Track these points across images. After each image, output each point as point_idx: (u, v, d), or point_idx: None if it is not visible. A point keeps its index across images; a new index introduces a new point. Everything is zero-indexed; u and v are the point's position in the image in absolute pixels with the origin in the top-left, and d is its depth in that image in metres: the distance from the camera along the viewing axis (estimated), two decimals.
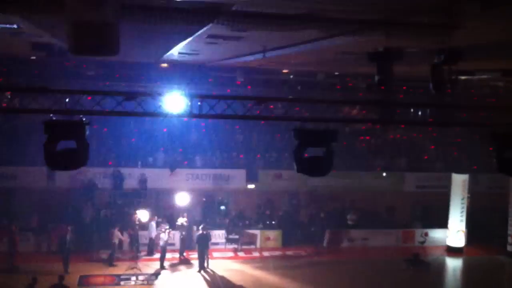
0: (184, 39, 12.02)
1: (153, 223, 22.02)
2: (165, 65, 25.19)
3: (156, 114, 10.01)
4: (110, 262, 20.76)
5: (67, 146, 9.33)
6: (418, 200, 26.81)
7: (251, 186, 25.71)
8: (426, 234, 25.26)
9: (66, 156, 9.19)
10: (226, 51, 15.74)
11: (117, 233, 21.11)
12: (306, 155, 9.46)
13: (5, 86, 17.00)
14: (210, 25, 8.34)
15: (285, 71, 25.56)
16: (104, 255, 21.33)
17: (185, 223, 22.20)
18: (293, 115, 9.46)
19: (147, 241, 22.31)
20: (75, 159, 9.30)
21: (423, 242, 24.80)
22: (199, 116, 9.69)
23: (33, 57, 21.32)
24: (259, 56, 14.85)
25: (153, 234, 21.90)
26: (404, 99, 21.06)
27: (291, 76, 26.93)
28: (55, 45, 15.64)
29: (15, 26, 10.21)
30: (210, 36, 11.27)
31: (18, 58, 21.81)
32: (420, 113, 25.01)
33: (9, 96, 21.03)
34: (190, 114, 9.65)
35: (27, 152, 23.89)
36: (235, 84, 25.68)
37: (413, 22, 8.23)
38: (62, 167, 9.65)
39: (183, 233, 22.00)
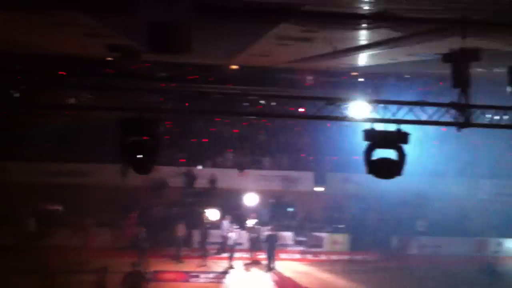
0: (255, 40, 12.13)
1: (226, 222, 22.24)
2: (235, 66, 25.51)
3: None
4: (177, 257, 21.12)
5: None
6: (494, 208, 25.68)
7: (319, 188, 25.56)
8: (501, 244, 24.17)
9: (139, 150, 9.48)
10: (296, 52, 15.75)
11: (181, 227, 21.38)
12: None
13: (80, 85, 17.83)
14: (281, 25, 8.38)
15: (354, 73, 25.28)
16: (173, 251, 21.84)
17: (254, 224, 22.33)
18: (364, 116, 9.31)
19: (216, 240, 22.63)
20: (148, 154, 9.57)
21: (497, 252, 23.76)
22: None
23: (109, 58, 22.11)
24: (329, 57, 14.76)
25: (225, 232, 22.15)
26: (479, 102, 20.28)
27: (361, 79, 26.60)
28: (129, 46, 16.13)
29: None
30: (281, 37, 11.33)
31: (93, 60, 22.70)
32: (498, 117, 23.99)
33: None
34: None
35: (100, 150, 24.85)
36: (304, 86, 25.65)
37: (493, 21, 7.93)
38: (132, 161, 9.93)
39: (252, 233, 22.12)
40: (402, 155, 9.29)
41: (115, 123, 10.44)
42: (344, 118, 9.48)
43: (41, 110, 26.31)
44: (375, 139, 9.07)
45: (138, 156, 9.77)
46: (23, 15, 8.98)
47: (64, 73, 23.67)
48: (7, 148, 24.16)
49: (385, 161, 9.39)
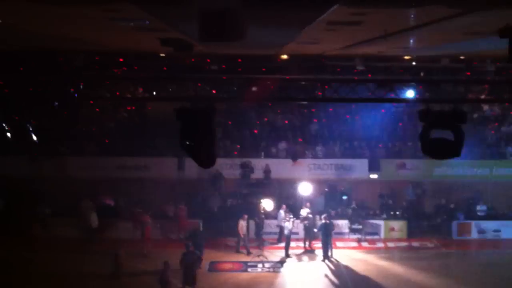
0: (305, 27, 12.07)
1: (282, 212, 22.36)
2: (284, 56, 25.44)
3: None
4: (237, 250, 21.48)
5: None
6: None
7: (373, 175, 25.35)
8: None
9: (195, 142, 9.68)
10: (346, 38, 15.56)
11: (242, 223, 21.44)
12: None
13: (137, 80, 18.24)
14: (331, 9, 8.31)
15: (406, 57, 24.77)
16: (231, 242, 22.17)
17: (309, 214, 22.36)
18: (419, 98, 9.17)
19: (272, 230, 22.79)
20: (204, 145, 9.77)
21: None
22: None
23: (162, 54, 22.51)
24: (379, 41, 14.54)
25: (281, 222, 22.28)
26: None
27: (413, 63, 26.05)
28: (181, 40, 16.38)
29: (147, 22, 10.82)
30: (331, 23, 11.22)
31: (146, 56, 23.14)
32: None
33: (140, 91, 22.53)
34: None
35: (159, 144, 25.50)
36: (354, 73, 25.37)
37: None
38: (191, 154, 10.17)
39: (307, 222, 22.16)
40: (459, 135, 9.12)
41: (173, 117, 10.78)
42: (398, 100, 9.38)
43: (101, 106, 27.27)
44: (431, 119, 8.94)
45: (195, 146, 9.96)
46: (77, 10, 9.24)
47: (117, 69, 24.19)
48: (70, 144, 25.10)
49: (441, 141, 9.25)
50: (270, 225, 22.98)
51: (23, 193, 22.97)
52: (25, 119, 15.14)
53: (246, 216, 21.50)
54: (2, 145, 23.57)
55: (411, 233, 23.49)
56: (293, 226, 21.78)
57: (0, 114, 14.74)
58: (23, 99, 15.32)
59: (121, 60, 23.65)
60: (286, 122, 27.33)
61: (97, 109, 27.43)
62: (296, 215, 22.47)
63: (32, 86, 14.62)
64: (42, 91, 15.51)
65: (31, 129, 15.02)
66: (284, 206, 22.60)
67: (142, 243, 21.13)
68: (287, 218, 21.64)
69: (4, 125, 14.73)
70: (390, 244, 23.00)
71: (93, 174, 24.16)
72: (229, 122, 27.44)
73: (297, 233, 22.49)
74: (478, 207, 24.16)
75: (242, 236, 21.39)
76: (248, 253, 21.21)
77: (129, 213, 22.75)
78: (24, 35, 14.40)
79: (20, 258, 19.93)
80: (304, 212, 22.36)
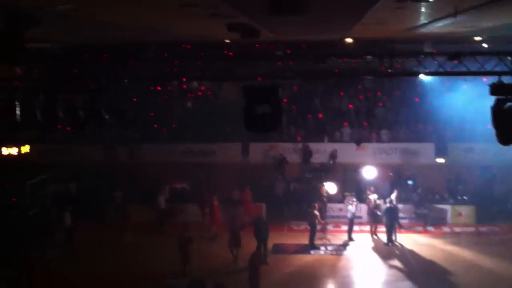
0: (371, 5, 11.94)
1: (345, 196, 22.47)
2: (349, 40, 25.20)
3: None
4: (311, 243, 20.70)
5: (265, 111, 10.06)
6: None
7: (440, 160, 24.84)
8: None
9: (262, 119, 9.91)
10: (413, 17, 15.27)
11: (315, 213, 20.67)
12: None
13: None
14: None
15: (477, 38, 23.98)
16: (295, 226, 22.34)
17: (373, 198, 22.21)
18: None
19: (335, 213, 22.83)
20: (270, 122, 9.97)
21: None
22: None
23: (227, 40, 22.79)
24: (449, 20, 14.19)
25: (345, 206, 22.17)
26: None
27: (485, 45, 25.18)
28: (248, 26, 16.60)
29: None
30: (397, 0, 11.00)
31: (212, 45, 23.49)
32: None
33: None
34: None
35: (224, 130, 26.00)
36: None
37: None
38: (259, 129, 10.39)
39: (371, 206, 22.05)
40: None
41: (238, 104, 11.08)
42: (468, 73, 9.18)
43: (170, 94, 28.10)
44: (505, 92, 8.69)
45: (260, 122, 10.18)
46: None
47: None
48: (142, 131, 26.00)
49: None
50: (333, 209, 23.01)
51: (98, 179, 24.09)
52: (100, 107, 15.81)
53: (316, 205, 20.97)
54: (78, 132, 24.87)
55: (480, 219, 22.89)
56: (356, 209, 21.72)
57: (77, 102, 15.52)
58: (98, 89, 16.06)
59: (188, 46, 24.12)
60: (351, 106, 27.13)
61: (166, 96, 28.23)
62: (361, 199, 22.41)
63: (108, 76, 15.30)
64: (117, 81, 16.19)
65: (106, 116, 15.69)
66: (348, 191, 22.51)
67: (210, 226, 21.65)
68: (352, 202, 21.61)
69: (81, 113, 15.46)
70: (457, 229, 22.56)
71: (163, 160, 24.99)
72: (293, 107, 27.56)
73: (360, 217, 22.44)
74: None
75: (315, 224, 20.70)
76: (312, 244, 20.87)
77: (197, 197, 23.36)
78: (100, 26, 14.96)
79: (99, 241, 21.01)
80: (369, 196, 22.24)
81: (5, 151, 19.19)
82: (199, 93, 29.04)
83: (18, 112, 14.25)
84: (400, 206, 22.14)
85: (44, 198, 22.66)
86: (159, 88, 28.16)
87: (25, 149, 19.82)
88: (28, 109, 14.77)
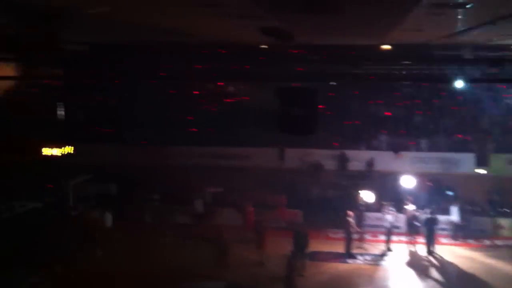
0: (408, 11, 11.68)
1: (382, 205, 21.96)
2: (387, 47, 24.86)
3: None
4: (348, 251, 20.58)
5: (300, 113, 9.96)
6: None
7: (481, 171, 24.29)
8: None
9: (298, 122, 9.80)
10: (451, 24, 14.91)
11: (350, 221, 20.61)
12: None
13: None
14: None
15: None
16: (331, 233, 22.13)
17: (411, 207, 21.84)
18: None
19: (373, 222, 22.54)
20: (306, 125, 9.85)
21: None
22: None
23: (263, 46, 22.72)
24: (488, 28, 13.79)
25: (382, 215, 21.84)
26: None
27: None
28: (282, 29, 16.45)
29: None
30: (435, 5, 10.73)
31: (246, 49, 23.49)
32: None
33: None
34: None
35: (259, 134, 25.93)
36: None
37: None
38: (294, 132, 10.30)
39: (410, 216, 21.67)
40: None
41: (273, 109, 10.99)
42: (510, 80, 8.77)
43: (206, 97, 28.24)
44: None
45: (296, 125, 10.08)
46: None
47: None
48: (178, 134, 26.20)
49: None
50: (371, 217, 22.72)
51: (136, 180, 24.34)
52: (137, 110, 15.99)
53: (351, 213, 20.81)
54: (115, 134, 25.27)
55: None
56: (395, 219, 21.37)
57: (116, 105, 15.71)
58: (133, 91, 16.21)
59: (223, 52, 24.20)
60: (389, 114, 26.78)
61: (202, 100, 28.38)
62: (399, 209, 22.07)
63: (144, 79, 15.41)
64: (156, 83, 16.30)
65: (141, 119, 15.83)
66: (385, 199, 22.19)
67: (245, 230, 21.58)
68: (389, 211, 21.28)
69: (118, 115, 15.64)
70: (498, 242, 21.99)
71: (198, 162, 25.08)
72: (330, 113, 27.30)
73: (399, 227, 22.09)
74: None
75: (352, 233, 20.63)
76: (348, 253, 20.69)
77: (232, 201, 23.34)
78: (132, 27, 15.07)
79: (137, 241, 21.29)
80: (407, 205, 21.87)
81: (49, 151, 19.47)
82: (235, 97, 29.09)
83: (61, 112, 14.53)
84: (439, 217, 21.67)
85: (86, 199, 22.98)
86: (196, 91, 28.32)
87: (68, 149, 20.09)
88: (70, 109, 15.04)
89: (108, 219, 20.99)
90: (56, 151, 19.48)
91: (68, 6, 10.14)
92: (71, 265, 17.26)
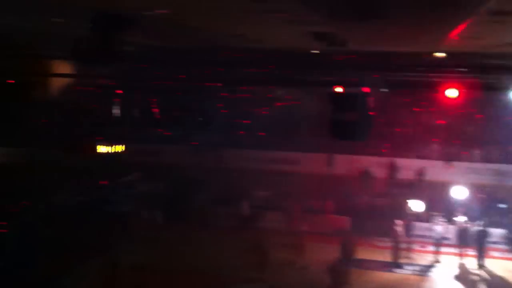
0: (466, 18, 11.43)
1: (432, 215, 21.73)
2: (441, 54, 24.41)
3: None
4: (394, 260, 20.31)
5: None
6: None
7: None
8: None
9: (348, 127, 9.80)
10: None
11: (397, 230, 20.47)
12: None
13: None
14: None
15: None
16: (378, 241, 21.94)
17: (462, 218, 21.39)
18: None
19: (421, 232, 22.17)
20: (357, 130, 9.85)
21: None
22: None
23: (315, 51, 22.67)
24: None
25: (432, 225, 21.55)
26: None
27: None
28: (335, 35, 16.38)
29: None
30: (495, 12, 10.44)
31: (296, 53, 23.48)
32: None
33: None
34: None
35: (308, 140, 25.97)
36: None
37: None
38: (344, 137, 10.31)
39: (460, 228, 21.24)
40: None
41: (322, 115, 11.02)
42: None
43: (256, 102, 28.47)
44: None
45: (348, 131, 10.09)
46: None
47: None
48: (228, 137, 26.52)
49: None
50: (420, 227, 22.35)
51: (185, 180, 24.76)
52: (190, 113, 16.23)
53: (399, 222, 20.61)
54: (168, 136, 25.78)
55: None
56: (445, 230, 20.99)
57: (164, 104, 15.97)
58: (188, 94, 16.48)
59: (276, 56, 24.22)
60: (442, 122, 26.28)
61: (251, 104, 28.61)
62: (449, 220, 21.65)
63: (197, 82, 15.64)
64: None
65: (195, 121, 16.05)
66: (435, 210, 21.83)
67: (291, 234, 21.62)
68: (439, 222, 20.93)
69: (172, 116, 15.91)
70: None
71: (247, 165, 25.29)
72: (380, 120, 27.02)
73: (448, 239, 21.67)
74: None
75: (400, 242, 20.43)
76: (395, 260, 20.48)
77: (280, 205, 23.41)
78: (188, 31, 15.31)
79: (183, 241, 21.48)
80: (458, 217, 21.43)
81: (102, 149, 20.09)
82: (286, 102, 29.18)
83: (116, 111, 14.90)
84: (491, 230, 21.15)
85: (136, 197, 23.54)
86: (247, 95, 28.53)
87: (120, 148, 20.67)
88: (125, 108, 15.37)
89: (158, 218, 21.43)
90: (110, 149, 20.06)
91: (136, 9, 10.44)
92: (117, 261, 17.62)
